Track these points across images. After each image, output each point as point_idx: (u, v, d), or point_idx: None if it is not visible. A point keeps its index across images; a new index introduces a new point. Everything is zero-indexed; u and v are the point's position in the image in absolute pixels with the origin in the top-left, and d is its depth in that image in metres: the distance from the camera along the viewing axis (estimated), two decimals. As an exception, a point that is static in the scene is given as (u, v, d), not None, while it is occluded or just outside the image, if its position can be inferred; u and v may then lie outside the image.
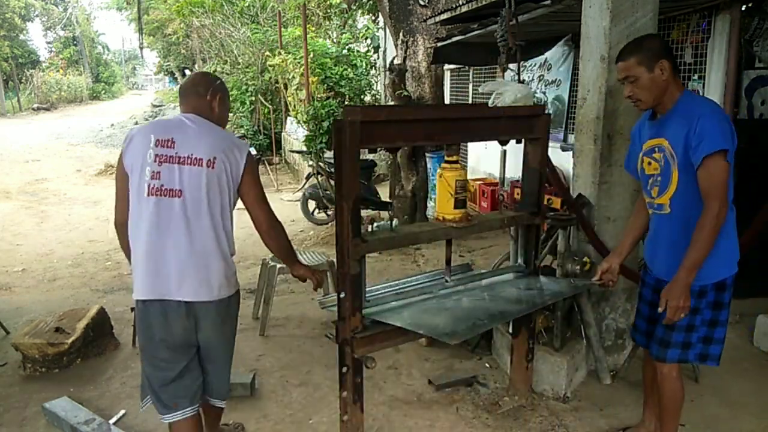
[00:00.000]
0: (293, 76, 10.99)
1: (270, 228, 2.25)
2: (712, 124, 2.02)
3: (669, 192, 2.19)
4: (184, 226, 2.05)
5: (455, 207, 2.45)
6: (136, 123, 19.20)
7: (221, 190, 2.10)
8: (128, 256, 2.18)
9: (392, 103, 6.37)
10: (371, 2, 11.34)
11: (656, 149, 2.21)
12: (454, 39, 5.60)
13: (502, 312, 2.39)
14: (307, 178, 7.86)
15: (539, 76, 6.70)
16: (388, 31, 8.62)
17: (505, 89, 2.79)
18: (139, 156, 2.05)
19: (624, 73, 2.19)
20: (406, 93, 6.22)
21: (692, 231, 2.11)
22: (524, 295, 2.56)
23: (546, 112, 2.66)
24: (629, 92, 2.20)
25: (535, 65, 6.73)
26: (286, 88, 11.77)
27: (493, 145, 7.15)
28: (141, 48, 31.01)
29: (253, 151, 10.87)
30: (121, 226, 2.16)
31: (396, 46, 6.58)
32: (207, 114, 2.18)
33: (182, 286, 2.07)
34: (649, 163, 2.25)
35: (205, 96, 2.18)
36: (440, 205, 2.50)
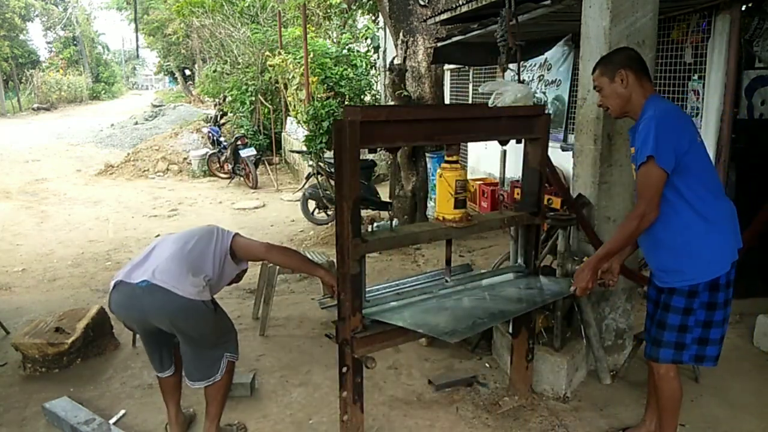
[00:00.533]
0: (293, 76, 10.99)
1: (265, 258, 2.77)
2: (644, 132, 2.11)
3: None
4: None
5: (455, 207, 2.46)
6: (136, 123, 19.20)
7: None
8: None
9: (392, 103, 6.37)
10: (371, 2, 11.35)
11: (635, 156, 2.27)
12: (454, 39, 5.60)
13: (503, 311, 2.40)
14: (307, 178, 7.86)
15: (539, 76, 6.70)
16: (388, 31, 8.61)
17: (505, 89, 2.79)
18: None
19: (594, 83, 2.37)
20: (406, 93, 6.22)
21: (660, 234, 2.21)
22: (524, 295, 2.57)
23: (546, 112, 2.66)
24: (599, 101, 2.38)
25: (535, 65, 6.73)
26: (286, 88, 11.77)
27: (493, 145, 7.14)
28: (137, 48, 30.91)
29: (254, 152, 10.93)
30: None
31: (396, 46, 6.57)
32: None
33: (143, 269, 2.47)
34: (635, 169, 2.30)
35: None
36: (440, 205, 2.50)
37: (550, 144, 2.76)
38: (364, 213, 6.79)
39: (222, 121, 13.39)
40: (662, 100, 2.32)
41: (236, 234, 2.61)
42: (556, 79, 6.39)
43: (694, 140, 2.16)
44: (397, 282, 2.60)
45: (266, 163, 11.66)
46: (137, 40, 28.12)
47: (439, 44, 6.03)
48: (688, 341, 2.25)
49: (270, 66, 12.21)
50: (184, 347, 2.47)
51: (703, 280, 2.18)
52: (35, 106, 28.26)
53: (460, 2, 4.77)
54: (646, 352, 2.38)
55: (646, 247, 2.36)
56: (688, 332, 2.24)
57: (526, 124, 2.59)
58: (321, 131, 8.73)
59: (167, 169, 12.29)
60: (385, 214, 6.85)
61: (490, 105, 2.77)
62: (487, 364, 3.39)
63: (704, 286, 2.19)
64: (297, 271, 2.54)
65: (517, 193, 5.26)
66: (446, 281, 2.62)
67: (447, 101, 8.67)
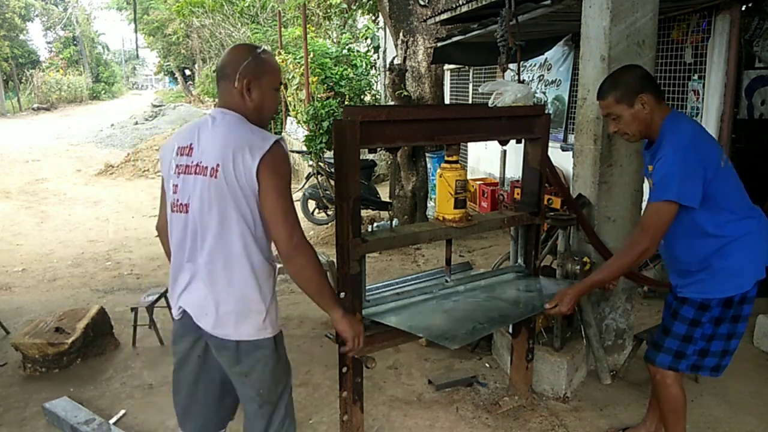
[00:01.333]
0: (293, 76, 10.99)
1: (291, 253, 1.72)
2: (666, 169, 2.00)
3: None
4: (192, 243, 1.77)
5: (455, 207, 2.45)
6: (136, 123, 19.20)
7: (232, 205, 1.70)
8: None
9: (392, 103, 6.37)
10: (371, 2, 11.35)
11: (652, 174, 2.17)
12: (454, 39, 5.60)
13: (503, 316, 2.38)
14: (307, 178, 7.87)
15: (539, 76, 6.71)
16: (388, 31, 8.61)
17: (505, 89, 2.79)
18: (166, 167, 1.83)
19: (605, 110, 2.19)
20: (406, 93, 6.22)
21: (679, 255, 2.16)
22: (524, 297, 2.56)
23: (546, 112, 2.66)
24: (614, 129, 2.20)
25: (535, 65, 6.74)
26: (286, 88, 11.77)
27: (493, 145, 7.14)
28: (137, 48, 30.90)
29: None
30: (160, 231, 1.94)
31: (396, 46, 6.58)
32: (238, 105, 1.77)
33: (190, 305, 1.82)
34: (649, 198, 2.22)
35: (233, 82, 1.75)
36: (440, 205, 2.50)
37: (550, 144, 2.76)
38: (364, 213, 6.80)
39: (222, 121, 13.37)
40: (680, 119, 2.16)
41: (262, 172, 1.67)
42: (556, 79, 6.39)
43: (718, 166, 2.04)
44: (397, 280, 2.60)
45: (266, 163, 11.64)
46: (137, 41, 28.10)
47: (439, 44, 6.03)
48: (689, 352, 2.19)
49: (270, 66, 12.19)
50: (244, 405, 1.93)
51: (717, 296, 2.11)
52: (35, 106, 28.26)
53: (460, 2, 4.77)
54: (645, 353, 2.35)
55: (666, 258, 2.30)
56: (692, 343, 2.17)
57: (526, 124, 2.59)
58: (321, 131, 8.73)
59: (167, 169, 12.29)
60: (385, 214, 6.85)
61: (490, 105, 2.77)
62: (487, 364, 3.39)
63: (717, 302, 2.11)
64: (307, 293, 1.86)
65: (517, 193, 5.26)
66: (446, 281, 2.62)
67: (447, 101, 8.67)
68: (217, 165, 1.68)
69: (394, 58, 6.92)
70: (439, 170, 2.48)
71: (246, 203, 1.70)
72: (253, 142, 1.69)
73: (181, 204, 1.77)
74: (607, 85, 2.19)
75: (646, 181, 2.32)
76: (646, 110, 2.10)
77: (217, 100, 1.89)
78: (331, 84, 10.09)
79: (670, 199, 1.99)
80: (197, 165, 1.73)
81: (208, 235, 1.73)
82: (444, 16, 5.25)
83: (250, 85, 1.75)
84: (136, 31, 25.71)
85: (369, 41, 13.63)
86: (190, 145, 1.76)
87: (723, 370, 2.24)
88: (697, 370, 2.25)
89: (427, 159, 6.72)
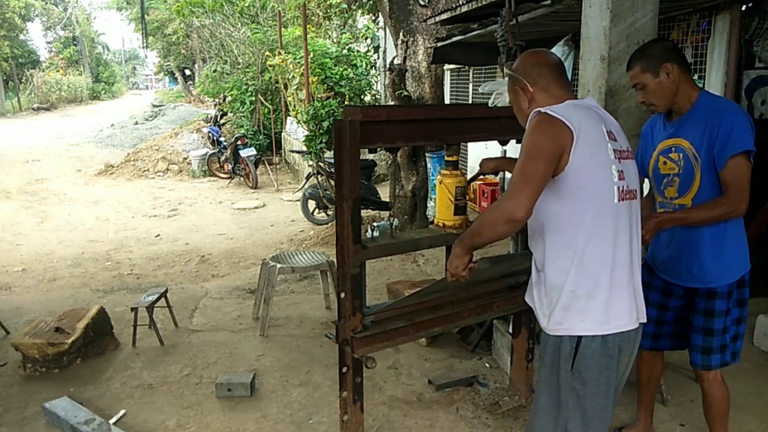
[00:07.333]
0: (293, 76, 10.99)
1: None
2: (738, 125, 2.05)
3: (691, 193, 2.19)
4: (636, 233, 1.79)
5: (455, 213, 2.46)
6: (136, 123, 19.20)
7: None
8: (482, 245, 1.93)
9: (392, 103, 6.37)
10: (371, 2, 11.34)
11: (673, 149, 2.21)
12: (454, 39, 5.60)
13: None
14: (307, 178, 7.87)
15: (539, 76, 6.69)
16: (388, 31, 8.61)
17: (505, 89, 2.79)
18: (598, 147, 1.69)
19: (633, 81, 2.24)
20: (406, 93, 6.22)
21: (707, 233, 2.16)
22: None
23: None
24: (641, 98, 2.23)
25: (535, 65, 6.72)
26: (286, 88, 11.77)
27: (494, 145, 7.13)
28: (146, 47, 30.77)
29: (253, 152, 10.91)
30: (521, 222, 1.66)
31: (396, 46, 6.57)
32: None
33: (641, 305, 1.82)
34: (665, 163, 2.25)
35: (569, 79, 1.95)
36: (440, 212, 2.50)
37: (550, 144, 2.75)
38: (364, 213, 6.81)
39: (222, 121, 13.40)
40: (717, 95, 2.26)
41: None
42: (556, 79, 6.38)
43: None
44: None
45: (266, 163, 11.66)
46: (146, 37, 27.87)
47: (439, 44, 6.03)
48: (728, 341, 2.26)
49: (270, 66, 12.20)
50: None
51: (736, 278, 2.19)
52: (35, 106, 28.25)
53: (460, 2, 4.76)
54: (697, 362, 2.29)
55: (671, 246, 2.27)
56: (727, 332, 2.24)
57: (526, 124, 2.59)
58: (321, 131, 8.73)
59: (167, 169, 12.29)
60: (385, 213, 6.85)
61: (490, 105, 2.77)
62: (487, 364, 3.39)
63: (735, 284, 2.20)
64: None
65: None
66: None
67: (447, 101, 8.66)
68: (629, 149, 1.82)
69: (394, 58, 6.92)
70: (438, 177, 2.48)
71: None
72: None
73: (629, 190, 1.75)
74: (634, 55, 2.24)
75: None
76: (671, 79, 2.13)
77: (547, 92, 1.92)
78: (331, 84, 10.09)
79: (750, 149, 2.03)
80: (627, 150, 1.79)
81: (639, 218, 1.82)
82: (444, 16, 5.24)
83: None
84: (144, 30, 25.66)
85: (369, 41, 13.63)
86: (609, 131, 1.75)
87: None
88: (735, 357, 2.29)
89: (427, 159, 6.71)
